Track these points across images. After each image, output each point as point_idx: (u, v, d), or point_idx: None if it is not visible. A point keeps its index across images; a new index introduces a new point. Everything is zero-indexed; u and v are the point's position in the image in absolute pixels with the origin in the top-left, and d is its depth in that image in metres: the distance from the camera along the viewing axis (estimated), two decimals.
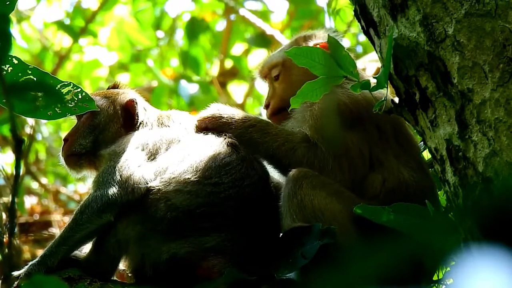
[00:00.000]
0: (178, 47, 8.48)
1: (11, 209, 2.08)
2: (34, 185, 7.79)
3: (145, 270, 3.28)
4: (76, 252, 3.40)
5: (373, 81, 3.02)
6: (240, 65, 8.50)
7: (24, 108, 2.94)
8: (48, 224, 7.15)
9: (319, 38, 3.71)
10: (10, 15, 2.87)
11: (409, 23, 2.86)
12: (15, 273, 3.29)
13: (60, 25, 8.05)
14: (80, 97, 3.09)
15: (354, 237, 3.18)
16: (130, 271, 3.36)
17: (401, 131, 3.48)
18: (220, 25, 8.68)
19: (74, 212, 3.37)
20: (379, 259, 2.13)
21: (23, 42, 8.30)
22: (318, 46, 3.45)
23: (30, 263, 3.33)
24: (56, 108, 3.05)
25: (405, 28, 2.87)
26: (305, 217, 3.20)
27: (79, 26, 8.01)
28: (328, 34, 3.11)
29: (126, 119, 3.66)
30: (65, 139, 3.67)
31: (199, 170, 3.33)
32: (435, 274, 3.31)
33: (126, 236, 3.29)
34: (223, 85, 8.79)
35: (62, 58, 8.11)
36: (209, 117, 3.54)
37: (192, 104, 7.85)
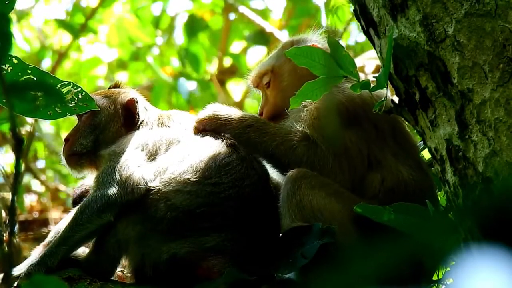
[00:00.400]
0: (177, 46, 8.48)
1: (11, 208, 2.08)
2: (34, 182, 7.79)
3: (145, 270, 3.28)
4: (76, 252, 3.40)
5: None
6: (239, 63, 8.50)
7: (24, 108, 2.94)
8: (47, 222, 7.15)
9: (308, 41, 3.69)
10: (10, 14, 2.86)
11: (409, 23, 2.86)
12: (15, 273, 3.29)
13: (60, 22, 8.05)
14: (80, 96, 3.09)
15: (354, 237, 3.18)
16: (130, 271, 3.36)
17: (399, 130, 3.48)
18: (219, 23, 8.68)
19: (74, 212, 3.37)
20: (379, 259, 2.13)
21: (24, 44, 8.31)
22: None
23: (30, 263, 3.33)
24: (56, 108, 3.05)
25: (405, 28, 2.87)
26: (304, 217, 3.20)
27: (78, 23, 8.01)
28: (328, 35, 3.11)
29: (127, 119, 3.66)
30: (66, 139, 3.68)
31: (199, 170, 3.33)
32: (435, 274, 3.32)
33: (126, 236, 3.29)
34: (222, 83, 8.79)
35: (61, 56, 8.10)
36: (206, 118, 3.53)
37: (190, 102, 7.86)
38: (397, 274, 2.16)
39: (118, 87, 3.84)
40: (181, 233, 3.26)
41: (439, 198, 3.45)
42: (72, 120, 3.83)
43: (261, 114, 3.72)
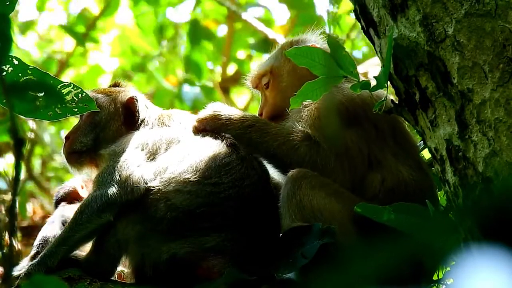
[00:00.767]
0: (181, 54, 8.48)
1: (11, 208, 2.08)
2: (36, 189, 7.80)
3: (145, 270, 3.28)
4: (76, 252, 3.40)
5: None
6: (243, 70, 8.50)
7: (24, 108, 2.94)
8: None
9: (307, 42, 3.69)
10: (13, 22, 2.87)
11: (409, 23, 2.86)
12: (15, 273, 3.29)
13: (65, 28, 8.04)
14: (80, 97, 3.09)
15: (354, 237, 3.18)
16: (130, 271, 3.36)
17: (399, 130, 3.48)
18: (223, 30, 8.70)
19: (74, 212, 3.37)
20: (379, 259, 2.13)
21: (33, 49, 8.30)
22: None
23: (30, 263, 3.33)
24: (56, 109, 3.05)
25: (405, 28, 2.87)
26: (304, 217, 3.20)
27: (80, 33, 8.01)
28: (329, 35, 3.11)
29: (127, 117, 3.66)
30: (67, 137, 3.68)
31: (199, 170, 3.33)
32: (435, 274, 3.32)
33: (126, 236, 3.29)
34: (225, 90, 8.79)
35: (63, 64, 8.11)
36: (207, 118, 3.52)
37: (195, 108, 7.86)
38: (397, 274, 2.16)
39: (118, 86, 3.84)
40: (181, 233, 3.26)
41: (439, 198, 3.45)
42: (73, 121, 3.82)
43: (260, 114, 3.72)
